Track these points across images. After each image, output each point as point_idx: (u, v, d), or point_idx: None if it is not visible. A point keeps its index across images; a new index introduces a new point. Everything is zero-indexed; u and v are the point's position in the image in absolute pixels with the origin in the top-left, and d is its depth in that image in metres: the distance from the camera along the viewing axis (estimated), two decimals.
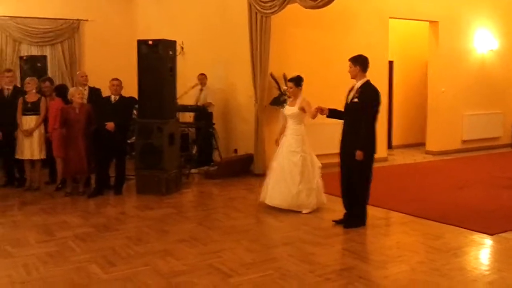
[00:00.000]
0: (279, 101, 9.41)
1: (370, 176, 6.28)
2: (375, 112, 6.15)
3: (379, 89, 6.23)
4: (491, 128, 12.97)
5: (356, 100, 6.12)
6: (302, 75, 7.09)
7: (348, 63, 6.25)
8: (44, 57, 11.64)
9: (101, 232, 6.19)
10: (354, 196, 6.32)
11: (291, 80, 7.10)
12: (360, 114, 6.07)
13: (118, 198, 8.03)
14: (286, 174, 6.92)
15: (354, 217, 6.31)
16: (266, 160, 9.48)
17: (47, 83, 8.71)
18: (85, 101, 8.39)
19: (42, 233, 6.18)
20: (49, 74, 11.34)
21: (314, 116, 6.62)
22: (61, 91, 8.55)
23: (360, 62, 6.17)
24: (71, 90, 8.31)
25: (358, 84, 6.18)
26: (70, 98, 8.07)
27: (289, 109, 7.06)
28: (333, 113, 6.46)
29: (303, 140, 6.96)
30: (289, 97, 7.42)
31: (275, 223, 6.63)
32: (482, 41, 12.71)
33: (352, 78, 6.26)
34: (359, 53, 6.31)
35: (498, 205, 7.26)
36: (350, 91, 6.29)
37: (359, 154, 6.04)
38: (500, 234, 5.94)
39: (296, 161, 6.88)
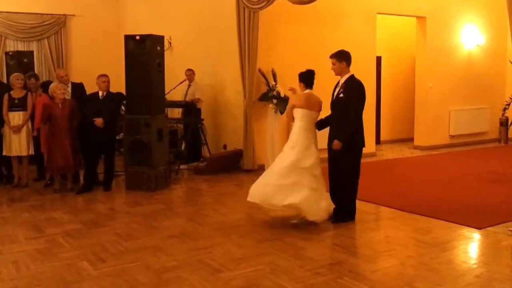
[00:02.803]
0: (267, 97, 9.42)
1: (358, 171, 6.29)
2: (361, 106, 6.16)
3: (366, 84, 6.25)
4: (478, 123, 13.07)
5: (341, 95, 6.14)
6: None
7: (331, 60, 6.20)
8: (31, 52, 11.56)
9: (91, 229, 6.17)
10: (341, 191, 6.32)
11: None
12: (346, 108, 6.07)
13: (107, 194, 8.00)
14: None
15: (343, 213, 6.33)
16: (255, 156, 9.51)
17: (32, 80, 8.64)
18: (68, 97, 8.34)
19: (31, 229, 6.15)
20: (36, 69, 11.27)
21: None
22: (47, 87, 8.48)
23: (345, 58, 6.18)
24: (52, 86, 8.23)
25: (343, 79, 6.20)
26: (52, 94, 8.01)
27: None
28: (322, 124, 6.38)
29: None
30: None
31: (264, 219, 6.62)
32: (469, 37, 12.79)
33: (337, 74, 6.25)
34: (344, 49, 6.29)
35: (486, 200, 7.32)
36: (335, 87, 6.30)
37: (336, 144, 6.06)
38: (488, 228, 6.00)
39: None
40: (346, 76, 6.18)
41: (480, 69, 13.06)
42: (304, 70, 6.35)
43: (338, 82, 6.28)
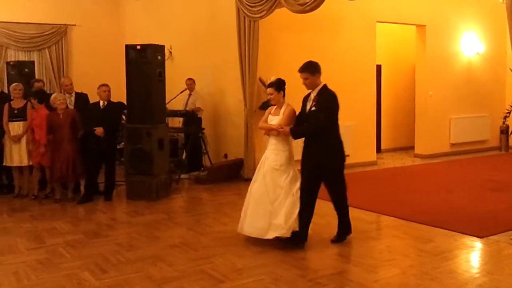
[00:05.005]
0: (268, 105, 9.37)
1: (344, 183, 5.91)
2: (332, 113, 5.72)
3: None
4: (478, 131, 13.07)
5: (314, 108, 5.71)
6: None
7: (303, 75, 5.76)
8: (32, 62, 11.59)
9: (92, 239, 6.16)
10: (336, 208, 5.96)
11: (271, 85, 6.07)
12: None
13: (108, 204, 8.00)
14: (270, 196, 5.82)
15: (341, 233, 5.95)
16: (256, 165, 9.46)
17: (41, 83, 8.78)
18: (71, 107, 8.37)
19: (32, 240, 6.15)
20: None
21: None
22: (42, 97, 8.38)
23: (318, 70, 5.76)
24: (53, 96, 8.25)
25: (315, 91, 5.76)
26: (53, 104, 8.03)
27: (273, 119, 6.06)
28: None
29: (290, 157, 5.95)
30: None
31: None
32: (469, 45, 12.82)
33: (311, 89, 5.80)
34: (313, 60, 5.87)
35: (487, 208, 7.31)
36: (306, 101, 5.88)
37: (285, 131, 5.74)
38: (490, 237, 5.99)
39: (282, 183, 5.85)
40: (319, 88, 5.76)
41: (480, 77, 13.08)
42: (277, 79, 6.07)
43: (309, 95, 5.86)
